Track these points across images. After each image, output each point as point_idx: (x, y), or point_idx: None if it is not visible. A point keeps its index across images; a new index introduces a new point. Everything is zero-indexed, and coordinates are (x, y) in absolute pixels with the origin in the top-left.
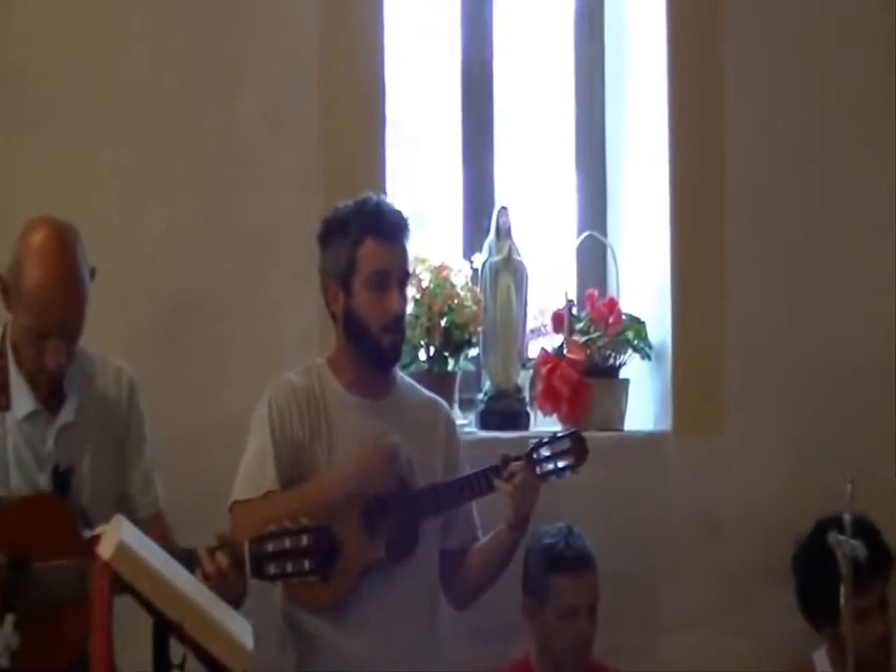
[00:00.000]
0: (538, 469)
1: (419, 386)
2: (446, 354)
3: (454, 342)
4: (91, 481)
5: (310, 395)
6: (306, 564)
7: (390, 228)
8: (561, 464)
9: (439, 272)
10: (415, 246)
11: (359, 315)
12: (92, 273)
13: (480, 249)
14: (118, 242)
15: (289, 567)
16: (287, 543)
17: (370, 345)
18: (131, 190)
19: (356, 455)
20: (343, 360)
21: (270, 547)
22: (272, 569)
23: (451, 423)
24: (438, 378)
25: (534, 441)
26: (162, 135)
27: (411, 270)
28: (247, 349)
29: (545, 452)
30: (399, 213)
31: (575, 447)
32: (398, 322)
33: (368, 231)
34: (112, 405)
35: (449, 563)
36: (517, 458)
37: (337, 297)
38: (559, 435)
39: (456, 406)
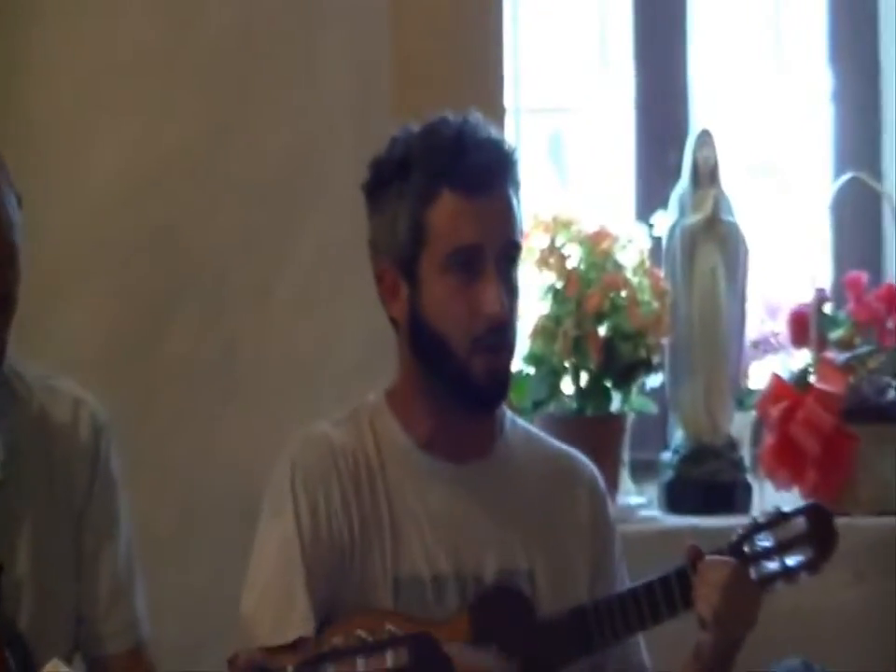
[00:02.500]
0: (753, 571)
1: (541, 435)
2: (608, 384)
3: (621, 363)
4: (33, 586)
5: (360, 460)
6: None
7: (483, 171)
8: (792, 561)
9: (594, 243)
10: (551, 200)
11: (432, 321)
12: (18, 201)
13: (664, 205)
14: (65, 181)
15: None
16: (362, 666)
17: (452, 373)
18: (89, 95)
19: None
20: (410, 397)
21: None
22: None
23: (599, 498)
24: (593, 425)
25: (744, 525)
26: (145, 7)
27: (527, 240)
28: (290, 365)
29: (764, 541)
30: (498, 144)
31: (815, 530)
32: (500, 332)
33: (443, 179)
34: (65, 459)
35: None
36: (718, 552)
37: (396, 289)
38: (787, 512)
39: (625, 472)
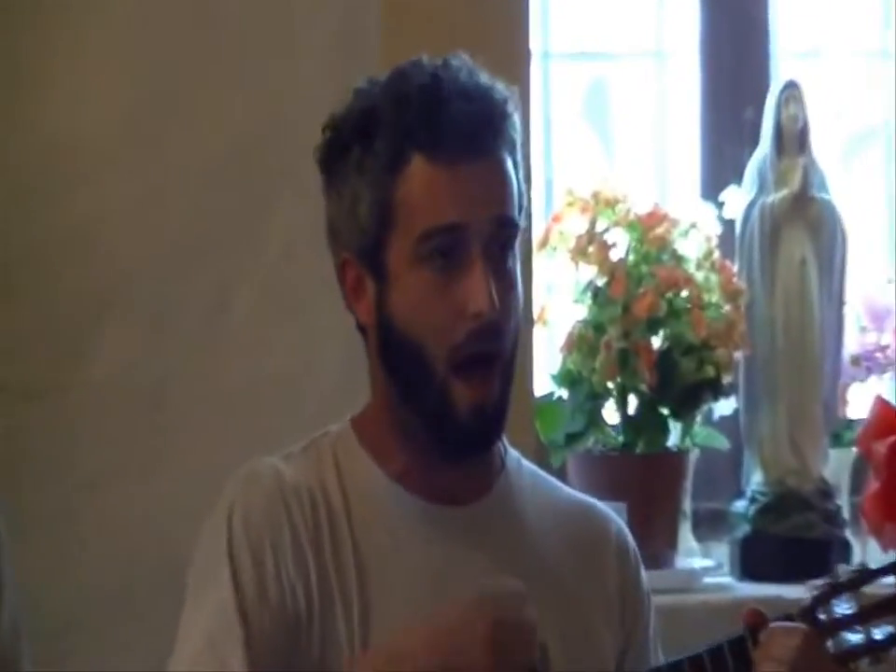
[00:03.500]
0: (830, 644)
1: (552, 480)
2: (664, 411)
3: (681, 384)
4: None
5: (319, 500)
6: None
7: (466, 128)
8: (880, 633)
9: (647, 227)
10: (590, 171)
11: (404, 325)
12: None
13: (737, 178)
14: None
15: None
16: None
17: (430, 399)
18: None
19: (445, 621)
20: (382, 422)
21: None
22: None
23: (629, 559)
24: (645, 465)
25: (818, 585)
26: None
27: (559, 223)
28: (253, 391)
29: (845, 607)
30: (485, 91)
31: None
32: (490, 338)
33: (412, 140)
34: None
35: None
36: (786, 618)
37: (361, 285)
38: (873, 570)
39: (687, 526)
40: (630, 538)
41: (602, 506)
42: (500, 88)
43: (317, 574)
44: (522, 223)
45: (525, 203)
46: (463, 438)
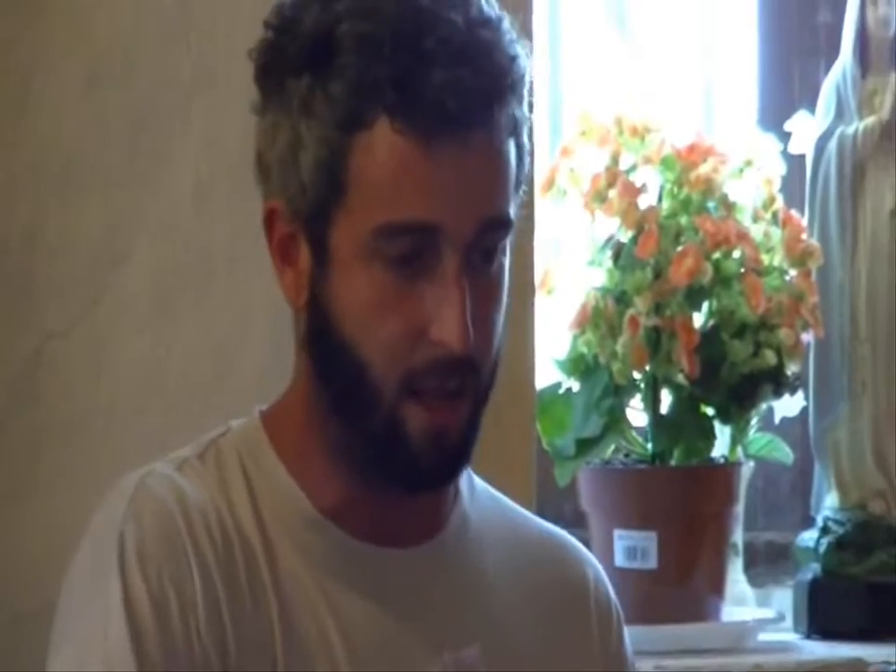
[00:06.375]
0: None
1: (515, 507)
2: (708, 411)
3: (732, 375)
4: None
5: (231, 534)
6: None
7: (452, 98)
8: None
9: (687, 165)
10: (612, 88)
11: (345, 330)
12: None
13: (808, 102)
14: None
15: None
16: None
17: (373, 423)
18: None
19: None
20: (307, 434)
21: None
22: None
23: (611, 617)
24: (682, 482)
25: None
26: None
27: (567, 158)
28: (151, 390)
29: None
30: (487, 45)
31: None
32: (459, 374)
33: (382, 98)
34: None
35: None
36: None
37: (292, 247)
38: None
39: (738, 565)
40: (609, 587)
41: (575, 543)
42: (508, 32)
43: (235, 635)
44: (517, 214)
45: (523, 178)
46: (416, 471)
